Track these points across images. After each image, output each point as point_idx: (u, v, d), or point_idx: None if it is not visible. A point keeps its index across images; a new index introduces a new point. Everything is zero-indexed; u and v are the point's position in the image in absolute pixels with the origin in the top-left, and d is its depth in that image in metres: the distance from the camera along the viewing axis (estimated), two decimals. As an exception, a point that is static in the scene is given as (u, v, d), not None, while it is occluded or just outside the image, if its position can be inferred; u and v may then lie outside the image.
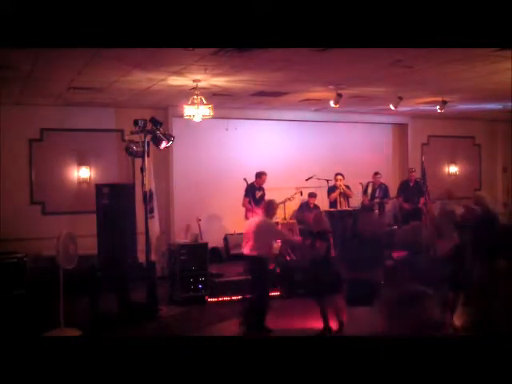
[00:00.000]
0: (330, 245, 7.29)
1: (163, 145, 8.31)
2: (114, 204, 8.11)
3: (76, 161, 10.41)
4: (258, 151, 11.70)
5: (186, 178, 11.05)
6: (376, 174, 11.65)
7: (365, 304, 5.32)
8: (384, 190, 11.62)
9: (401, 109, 10.58)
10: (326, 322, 6.91)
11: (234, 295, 8.99)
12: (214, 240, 10.51)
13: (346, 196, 11.15)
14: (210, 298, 8.92)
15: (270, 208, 7.43)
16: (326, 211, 11.06)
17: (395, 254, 10.52)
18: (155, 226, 8.81)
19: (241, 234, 10.90)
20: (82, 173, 10.42)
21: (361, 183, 11.46)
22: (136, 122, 8.07)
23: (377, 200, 11.51)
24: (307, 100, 10.20)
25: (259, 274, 7.17)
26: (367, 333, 5.11)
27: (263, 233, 7.21)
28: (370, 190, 11.63)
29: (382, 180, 11.76)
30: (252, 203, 10.06)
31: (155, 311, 8.03)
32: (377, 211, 11.56)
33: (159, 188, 10.01)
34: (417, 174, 12.18)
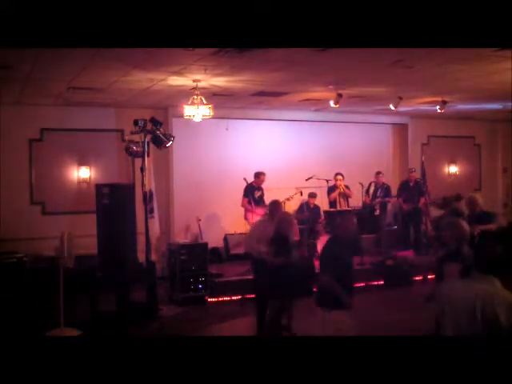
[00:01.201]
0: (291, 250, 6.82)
1: (163, 145, 8.31)
2: (114, 204, 8.10)
3: (76, 161, 10.41)
4: (258, 151, 11.71)
5: (185, 178, 11.04)
6: (378, 173, 11.64)
7: (337, 307, 5.31)
8: (386, 189, 11.62)
9: (401, 109, 10.58)
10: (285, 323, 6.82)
11: (234, 295, 9.00)
12: (213, 240, 10.52)
13: (346, 196, 11.16)
14: (210, 297, 8.92)
15: (271, 208, 7.35)
16: (325, 211, 11.11)
17: (399, 254, 10.57)
18: (155, 226, 8.81)
19: (241, 234, 10.95)
20: (82, 173, 10.42)
21: (360, 183, 11.46)
22: (136, 122, 8.07)
23: (378, 199, 11.51)
24: (307, 100, 10.20)
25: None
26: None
27: None
28: (371, 190, 11.63)
29: (383, 180, 11.76)
30: (251, 203, 10.07)
31: (155, 311, 8.04)
32: (378, 211, 11.56)
33: (159, 188, 10.00)
34: (417, 174, 12.17)
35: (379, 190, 11.59)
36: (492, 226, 6.20)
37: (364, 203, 11.45)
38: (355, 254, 5.76)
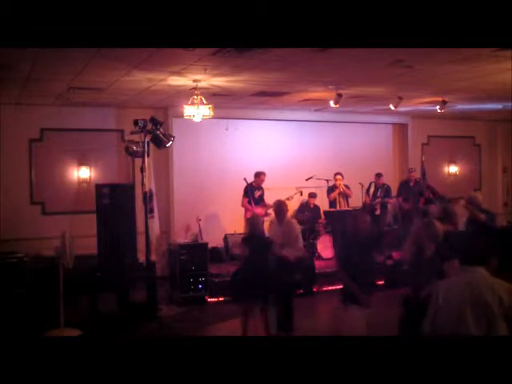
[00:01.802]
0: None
1: (163, 145, 8.31)
2: (114, 204, 8.11)
3: (76, 161, 10.41)
4: (258, 151, 11.71)
5: (185, 178, 11.05)
6: (378, 175, 11.61)
7: (353, 304, 5.34)
8: (386, 190, 11.59)
9: (401, 109, 10.58)
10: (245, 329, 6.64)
11: (234, 295, 8.99)
12: (214, 240, 10.52)
13: (346, 196, 11.15)
14: (210, 298, 8.92)
15: (276, 210, 7.29)
16: (325, 211, 11.11)
17: (396, 255, 10.57)
18: (155, 226, 8.81)
19: (241, 233, 10.95)
20: (82, 173, 10.42)
21: (360, 183, 11.46)
22: (136, 122, 8.07)
23: (378, 199, 11.49)
24: (307, 100, 10.20)
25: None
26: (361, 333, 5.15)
27: None
28: (372, 190, 11.62)
29: (383, 181, 11.71)
30: (252, 203, 10.07)
31: (155, 311, 8.03)
32: (378, 211, 11.55)
33: (159, 188, 10.01)
34: (417, 174, 12.17)
35: (379, 190, 11.59)
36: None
37: (364, 203, 11.44)
38: (373, 250, 5.82)
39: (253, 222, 6.86)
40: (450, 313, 3.52)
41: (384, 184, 11.66)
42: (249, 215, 10.04)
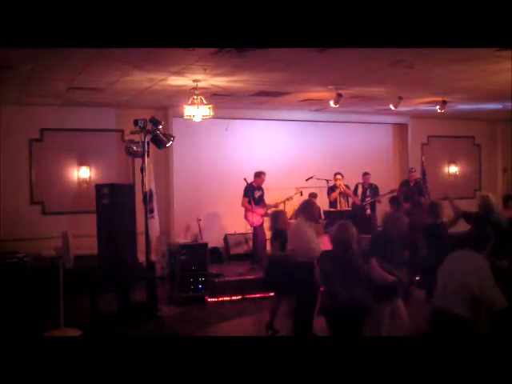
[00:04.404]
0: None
1: (163, 145, 8.31)
2: (114, 204, 8.10)
3: (76, 161, 10.41)
4: (258, 151, 11.70)
5: (185, 178, 11.05)
6: (365, 174, 11.56)
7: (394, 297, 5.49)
8: (374, 189, 11.52)
9: (401, 109, 10.58)
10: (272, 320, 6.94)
11: (234, 295, 9.00)
12: (214, 240, 10.52)
13: (346, 196, 11.14)
14: (209, 297, 8.92)
15: (303, 209, 7.13)
16: (325, 211, 11.09)
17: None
18: (155, 225, 8.81)
19: (241, 234, 10.96)
20: (81, 173, 10.42)
21: (359, 183, 11.43)
22: (136, 122, 8.06)
23: (368, 199, 11.45)
24: (307, 100, 10.20)
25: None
26: None
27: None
28: (360, 191, 11.59)
29: (370, 180, 11.63)
30: (252, 203, 10.06)
31: (155, 311, 8.03)
32: (369, 211, 11.51)
33: (159, 188, 10.01)
34: (417, 174, 12.15)
35: (368, 190, 11.54)
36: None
37: (353, 204, 11.36)
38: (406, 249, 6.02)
39: (276, 217, 7.07)
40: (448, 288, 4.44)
41: (371, 184, 11.60)
42: (249, 215, 10.07)
